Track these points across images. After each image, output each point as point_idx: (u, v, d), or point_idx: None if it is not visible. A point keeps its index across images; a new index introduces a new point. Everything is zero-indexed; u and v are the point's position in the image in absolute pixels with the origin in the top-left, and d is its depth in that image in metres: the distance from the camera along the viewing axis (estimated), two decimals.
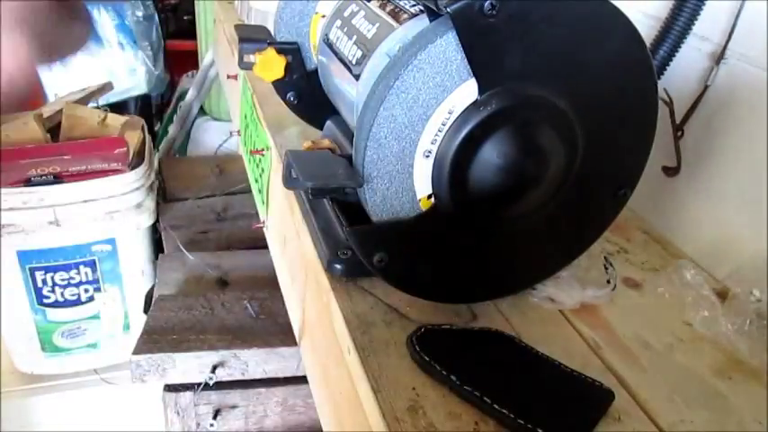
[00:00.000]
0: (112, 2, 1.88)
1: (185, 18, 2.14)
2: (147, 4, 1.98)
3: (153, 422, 1.15)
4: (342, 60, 0.52)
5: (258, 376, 0.97)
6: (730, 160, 0.58)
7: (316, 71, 0.61)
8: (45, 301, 1.34)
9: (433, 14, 0.39)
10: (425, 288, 0.46)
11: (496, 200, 0.42)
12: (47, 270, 1.32)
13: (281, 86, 0.62)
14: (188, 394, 0.96)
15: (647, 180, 0.48)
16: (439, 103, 0.39)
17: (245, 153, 0.88)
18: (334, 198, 0.48)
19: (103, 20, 1.89)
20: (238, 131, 0.94)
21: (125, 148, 1.19)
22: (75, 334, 1.39)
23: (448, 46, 0.38)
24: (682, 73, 0.63)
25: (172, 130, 1.89)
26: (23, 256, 1.29)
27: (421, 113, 0.39)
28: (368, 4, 0.52)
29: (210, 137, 1.85)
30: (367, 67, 0.47)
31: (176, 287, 1.20)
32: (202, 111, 1.91)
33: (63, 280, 1.34)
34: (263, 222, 0.80)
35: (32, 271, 1.31)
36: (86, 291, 1.37)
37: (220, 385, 0.97)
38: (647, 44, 0.46)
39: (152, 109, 2.14)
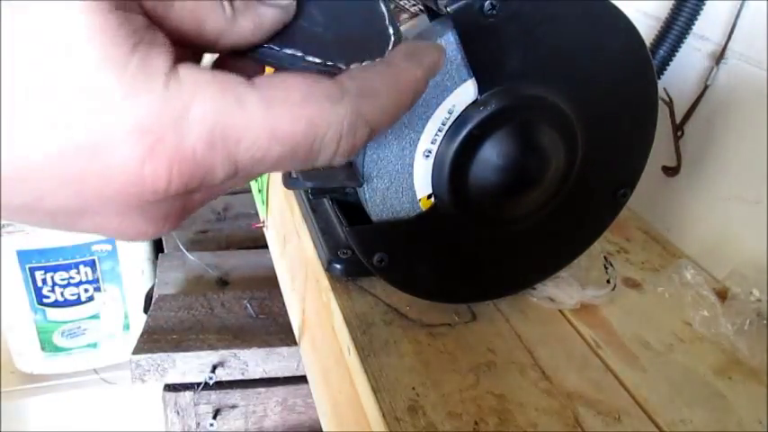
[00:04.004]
0: None
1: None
2: None
3: (153, 422, 1.15)
4: None
5: (258, 376, 0.97)
6: (730, 160, 0.58)
7: None
8: (45, 300, 1.34)
9: (433, 14, 0.39)
10: (425, 288, 0.46)
11: (496, 200, 0.42)
12: (47, 270, 1.32)
13: None
14: (188, 394, 0.96)
15: (647, 180, 0.48)
16: (439, 103, 0.39)
17: None
18: (335, 198, 0.48)
19: None
20: None
21: None
22: (75, 333, 1.39)
23: (448, 46, 0.38)
24: (682, 73, 0.63)
25: None
26: (23, 256, 1.29)
27: (421, 113, 0.39)
28: None
29: None
30: None
31: (176, 287, 1.20)
32: None
33: (63, 280, 1.34)
34: (263, 222, 0.80)
35: (32, 271, 1.31)
36: (86, 290, 1.37)
37: (220, 385, 0.97)
38: (647, 44, 0.46)
39: None
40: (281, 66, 0.24)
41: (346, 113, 0.22)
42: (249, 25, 0.22)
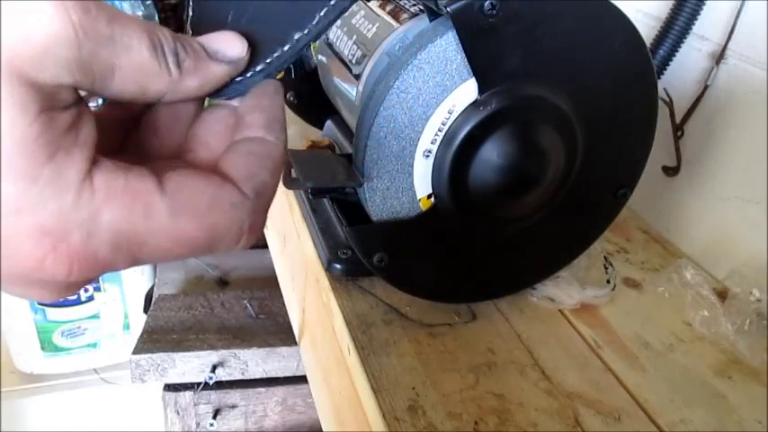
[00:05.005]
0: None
1: (186, 18, 2.13)
2: (148, 4, 1.97)
3: (153, 422, 1.15)
4: (342, 60, 0.52)
5: (258, 376, 0.97)
6: (730, 160, 0.58)
7: (315, 71, 0.61)
8: None
9: (433, 14, 0.39)
10: (425, 288, 0.46)
11: (496, 200, 0.42)
12: None
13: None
14: (188, 394, 0.96)
15: (647, 180, 0.48)
16: (439, 103, 0.39)
17: None
18: (335, 198, 0.48)
19: None
20: None
21: None
22: (75, 333, 1.39)
23: (448, 46, 0.38)
24: (682, 73, 0.63)
25: None
26: None
27: (421, 113, 0.39)
28: (368, 3, 0.52)
29: None
30: (367, 66, 0.47)
31: (176, 287, 1.20)
32: None
33: None
34: None
35: None
36: (86, 290, 1.37)
37: (220, 385, 0.97)
38: (647, 44, 0.46)
39: None
40: None
41: (247, 216, 0.24)
42: (195, 84, 0.24)
